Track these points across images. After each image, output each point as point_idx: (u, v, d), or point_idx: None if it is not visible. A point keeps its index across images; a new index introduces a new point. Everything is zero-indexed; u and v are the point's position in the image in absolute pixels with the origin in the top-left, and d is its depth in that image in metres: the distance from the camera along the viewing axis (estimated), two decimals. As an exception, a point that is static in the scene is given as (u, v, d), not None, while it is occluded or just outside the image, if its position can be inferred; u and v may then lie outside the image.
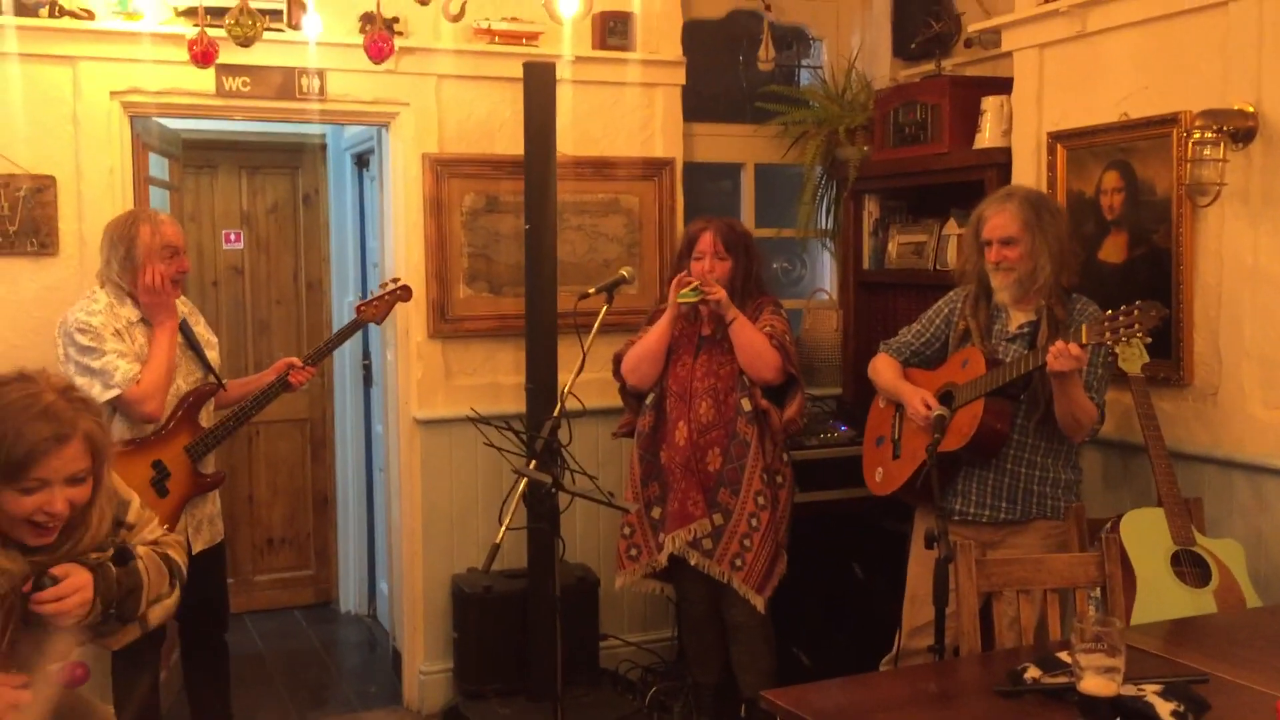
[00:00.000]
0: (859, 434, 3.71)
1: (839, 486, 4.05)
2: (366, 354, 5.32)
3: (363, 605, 5.50)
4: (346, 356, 5.42)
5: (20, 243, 3.75)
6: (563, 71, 4.19)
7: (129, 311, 3.33)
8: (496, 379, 4.32)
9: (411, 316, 4.21)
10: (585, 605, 4.13)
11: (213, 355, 3.52)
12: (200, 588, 3.28)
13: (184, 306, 3.50)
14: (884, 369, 3.43)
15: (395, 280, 3.89)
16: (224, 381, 3.54)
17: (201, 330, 3.54)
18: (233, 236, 5.46)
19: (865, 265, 4.61)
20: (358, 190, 5.33)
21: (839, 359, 4.68)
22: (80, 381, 3.15)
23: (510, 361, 4.31)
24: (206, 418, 3.47)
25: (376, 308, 3.78)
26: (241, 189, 5.50)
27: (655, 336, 3.69)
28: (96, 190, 3.82)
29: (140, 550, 2.15)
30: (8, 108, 3.70)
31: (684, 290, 3.56)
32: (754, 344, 3.56)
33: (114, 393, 3.19)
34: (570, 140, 4.31)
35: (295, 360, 3.64)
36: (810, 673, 3.87)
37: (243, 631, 5.15)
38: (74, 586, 1.98)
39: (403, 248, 4.24)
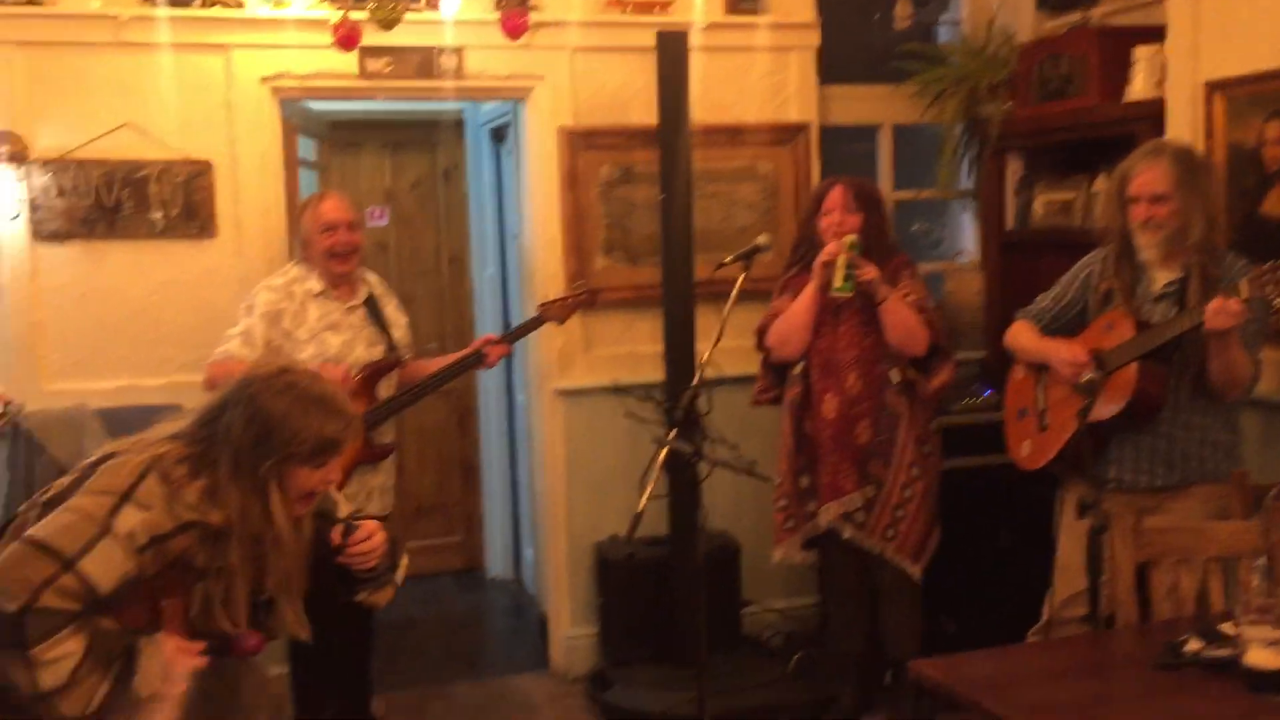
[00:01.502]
0: (1004, 397, 3.62)
1: (984, 452, 3.96)
2: (508, 324, 5.39)
3: (509, 571, 5.62)
4: (489, 327, 5.52)
5: (181, 227, 3.92)
6: (694, 38, 4.17)
7: (314, 284, 3.48)
8: (635, 349, 4.35)
9: (551, 288, 4.26)
10: (727, 572, 4.15)
11: (398, 333, 3.64)
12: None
13: (377, 286, 3.66)
14: (1023, 333, 3.33)
15: (582, 283, 3.96)
16: (405, 358, 3.64)
17: (391, 311, 3.67)
18: (378, 213, 5.60)
19: (1009, 225, 4.48)
20: (495, 164, 5.41)
21: (981, 322, 4.57)
22: None
23: (648, 331, 4.33)
24: (386, 389, 3.57)
25: (560, 309, 3.84)
26: (385, 167, 5.64)
27: (802, 309, 3.65)
28: (250, 173, 3.97)
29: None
30: (164, 96, 3.87)
31: (837, 285, 3.51)
32: (905, 322, 3.51)
33: (208, 365, 3.38)
34: (703, 107, 4.28)
35: (493, 336, 3.73)
36: (956, 641, 3.80)
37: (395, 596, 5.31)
38: (372, 529, 2.29)
39: (540, 220, 4.29)
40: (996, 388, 4.13)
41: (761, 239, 3.65)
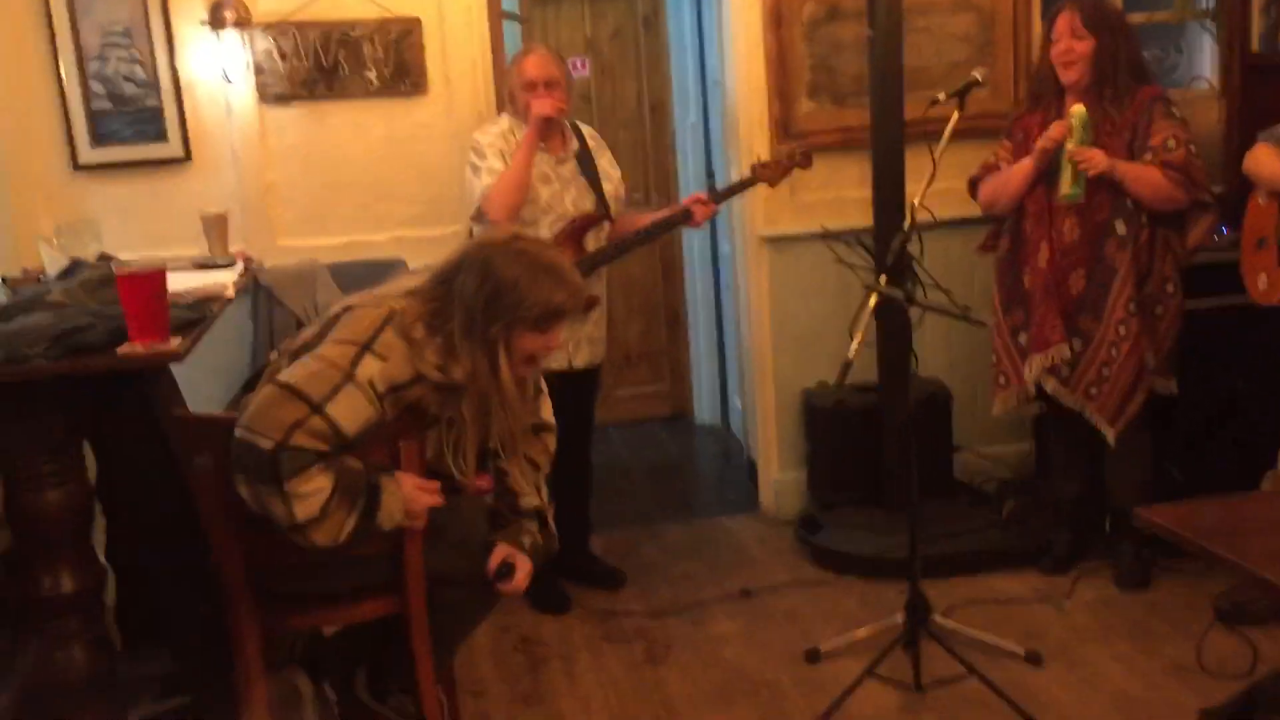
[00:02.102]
0: (1241, 227, 3.39)
1: (1218, 292, 3.73)
2: (710, 172, 5.36)
3: (716, 417, 5.71)
4: (690, 176, 5.50)
5: (394, 84, 4.02)
6: None
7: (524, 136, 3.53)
8: (842, 193, 4.26)
9: (755, 133, 4.19)
10: (938, 419, 4.10)
11: (608, 187, 3.66)
12: (575, 403, 3.54)
13: (591, 140, 3.69)
14: (1265, 158, 3.08)
15: (796, 144, 3.89)
16: (612, 214, 3.67)
17: (605, 164, 3.69)
18: (580, 64, 5.59)
19: (1254, 48, 4.12)
20: (695, 9, 5.29)
21: (1220, 154, 4.25)
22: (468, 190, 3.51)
23: (856, 175, 4.22)
24: (593, 243, 3.63)
25: (773, 171, 3.78)
26: (584, 16, 5.60)
27: (1015, 185, 3.51)
28: (456, 28, 4.02)
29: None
30: (375, -44, 3.94)
31: (1064, 191, 3.32)
32: (1153, 187, 3.30)
33: (476, 204, 3.46)
34: (914, -65, 4.06)
35: (703, 195, 3.73)
36: (1183, 489, 3.68)
37: (607, 442, 5.48)
38: (525, 572, 2.45)
39: (743, 64, 4.20)
40: (1234, 226, 3.87)
41: (976, 74, 3.46)
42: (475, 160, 3.50)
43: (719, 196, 3.76)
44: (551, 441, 2.65)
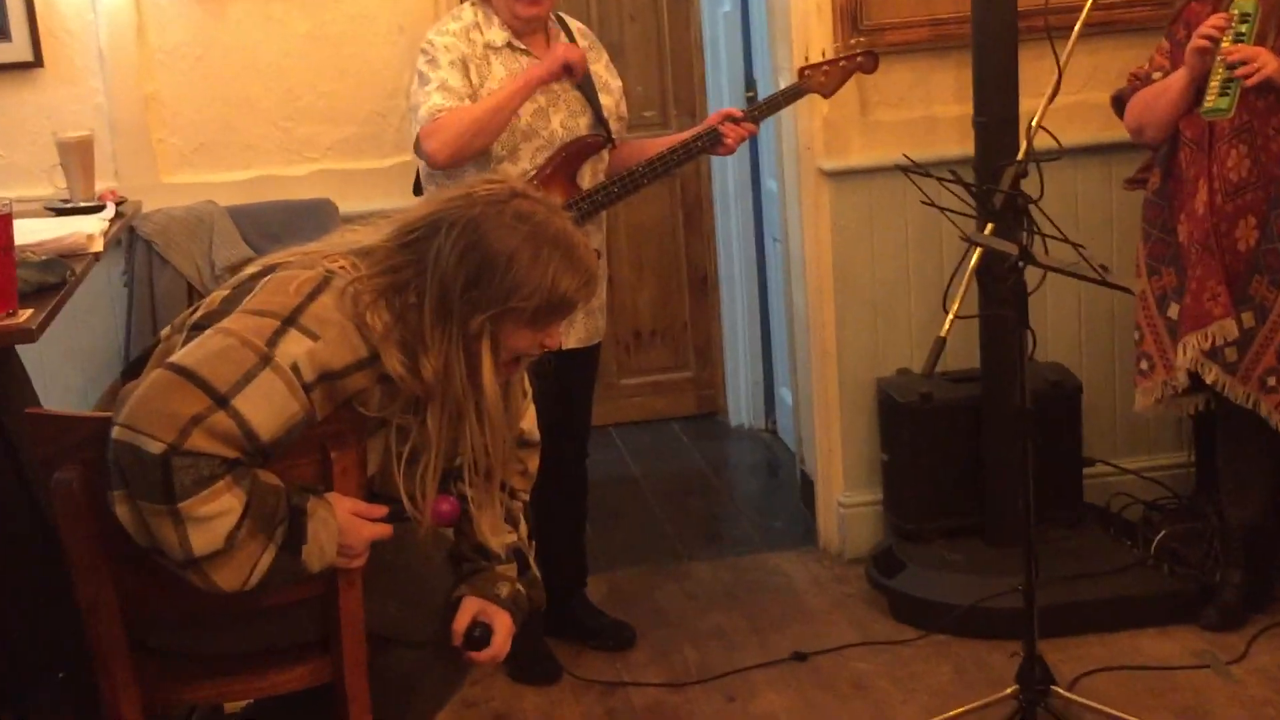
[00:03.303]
0: None
1: None
2: (750, 83, 5.35)
3: (758, 417, 5.71)
4: (724, 88, 5.49)
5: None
6: None
7: (496, 34, 3.53)
8: (932, 111, 4.25)
9: (811, 26, 4.18)
10: (1063, 419, 4.10)
11: (608, 101, 3.66)
12: (561, 398, 3.53)
13: (582, 38, 3.69)
14: None
15: (856, 42, 3.89)
16: (614, 136, 3.66)
17: (602, 72, 3.68)
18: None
19: None
20: None
21: None
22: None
23: (951, 85, 4.22)
24: (590, 178, 3.63)
25: (827, 77, 3.78)
26: None
27: (1167, 101, 3.52)
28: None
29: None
30: None
31: (1209, 104, 3.31)
32: None
33: (417, 128, 3.47)
34: None
35: (735, 111, 3.72)
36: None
37: (609, 449, 5.49)
38: (505, 633, 2.48)
39: (796, -72, 4.20)
40: None
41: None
42: (423, 68, 3.50)
43: (757, 112, 3.76)
44: (533, 461, 2.66)
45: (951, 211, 3.24)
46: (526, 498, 2.65)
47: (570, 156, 3.58)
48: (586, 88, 3.61)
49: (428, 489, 2.32)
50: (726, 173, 5.59)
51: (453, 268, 2.22)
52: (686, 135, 3.72)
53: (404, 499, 2.33)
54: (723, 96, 5.49)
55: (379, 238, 2.31)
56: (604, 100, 3.65)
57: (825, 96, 3.84)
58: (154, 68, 4.03)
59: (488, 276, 2.22)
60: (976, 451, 4.07)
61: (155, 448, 2.06)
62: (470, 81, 3.48)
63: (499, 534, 2.50)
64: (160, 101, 4.05)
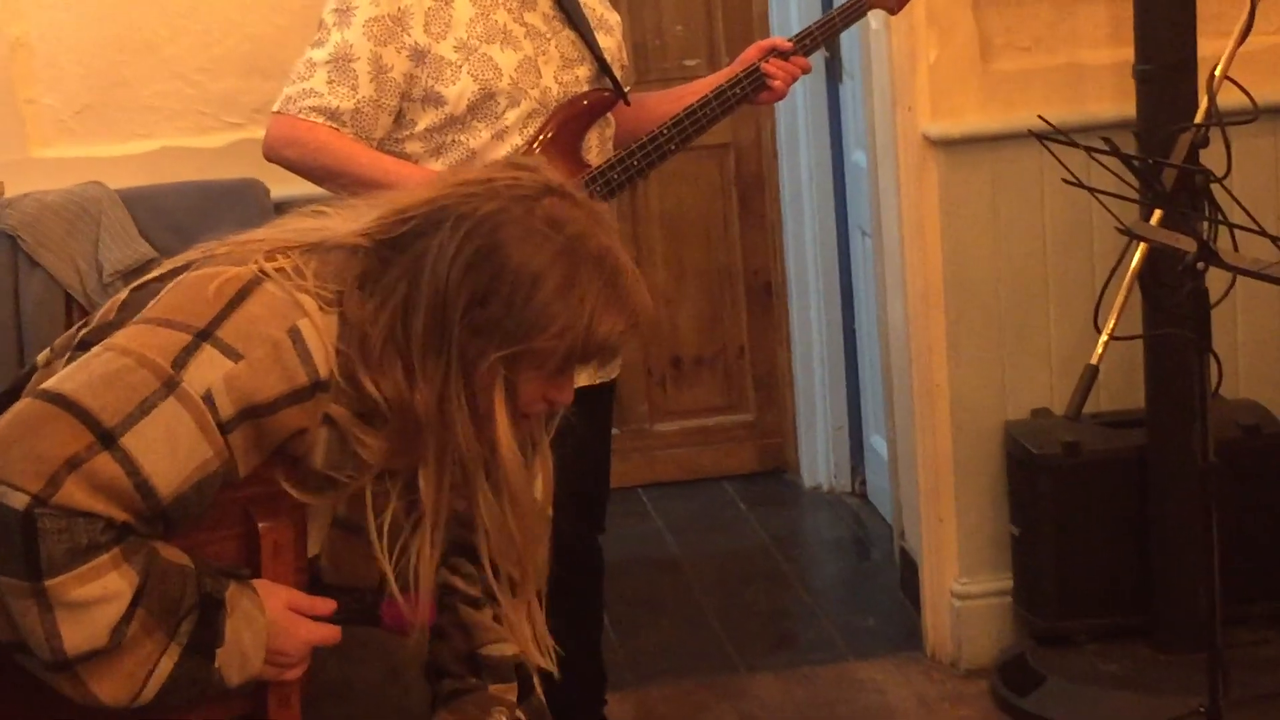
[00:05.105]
0: None
1: None
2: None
3: (841, 476, 5.73)
4: (794, 27, 5.49)
5: None
6: None
7: None
8: (1076, 56, 4.27)
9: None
10: (1261, 475, 4.09)
11: (609, 42, 3.66)
12: (575, 448, 3.52)
13: None
14: None
15: None
16: (627, 91, 3.67)
17: (595, 4, 3.69)
18: None
19: None
20: None
21: None
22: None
23: (1101, 23, 4.25)
24: (598, 148, 3.64)
25: None
26: None
27: None
28: None
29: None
30: None
31: None
32: None
33: (281, 102, 3.47)
34: None
35: (780, 42, 3.73)
36: None
37: (637, 518, 5.52)
38: None
39: None
40: None
41: None
42: (328, 17, 3.47)
43: (809, 40, 3.74)
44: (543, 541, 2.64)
45: (1105, 194, 3.24)
46: (542, 585, 2.63)
47: (569, 121, 3.58)
48: (580, 25, 3.60)
49: (422, 578, 2.30)
50: (797, 141, 5.62)
51: (455, 277, 2.18)
52: (719, 78, 3.73)
53: (392, 583, 2.31)
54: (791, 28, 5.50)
55: (355, 226, 2.29)
56: (604, 42, 3.65)
57: (892, 12, 3.86)
58: (22, 3, 4.07)
59: (501, 298, 2.19)
60: (1142, 522, 4.08)
61: (16, 501, 2.03)
62: (407, 47, 3.45)
63: (499, 636, 2.49)
64: (29, 48, 4.09)
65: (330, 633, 2.30)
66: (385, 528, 2.29)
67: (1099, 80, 4.22)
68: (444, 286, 2.19)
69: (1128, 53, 4.03)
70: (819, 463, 5.78)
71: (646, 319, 2.28)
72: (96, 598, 2.07)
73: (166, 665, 2.13)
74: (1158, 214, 3.21)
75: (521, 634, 2.44)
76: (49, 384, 2.13)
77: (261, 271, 2.21)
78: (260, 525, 2.25)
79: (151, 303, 2.21)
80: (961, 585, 4.43)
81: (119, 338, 2.17)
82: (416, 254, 2.21)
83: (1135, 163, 3.36)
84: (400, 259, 2.22)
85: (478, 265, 2.18)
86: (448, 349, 2.20)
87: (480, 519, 2.30)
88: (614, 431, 3.95)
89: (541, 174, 2.30)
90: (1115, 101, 4.12)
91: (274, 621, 2.23)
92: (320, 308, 2.20)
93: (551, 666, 2.51)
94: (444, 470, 2.25)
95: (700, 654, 4.62)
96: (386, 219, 2.26)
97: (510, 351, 2.19)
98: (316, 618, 2.30)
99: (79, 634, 2.07)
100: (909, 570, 4.69)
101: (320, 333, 2.19)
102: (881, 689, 4.35)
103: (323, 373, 2.18)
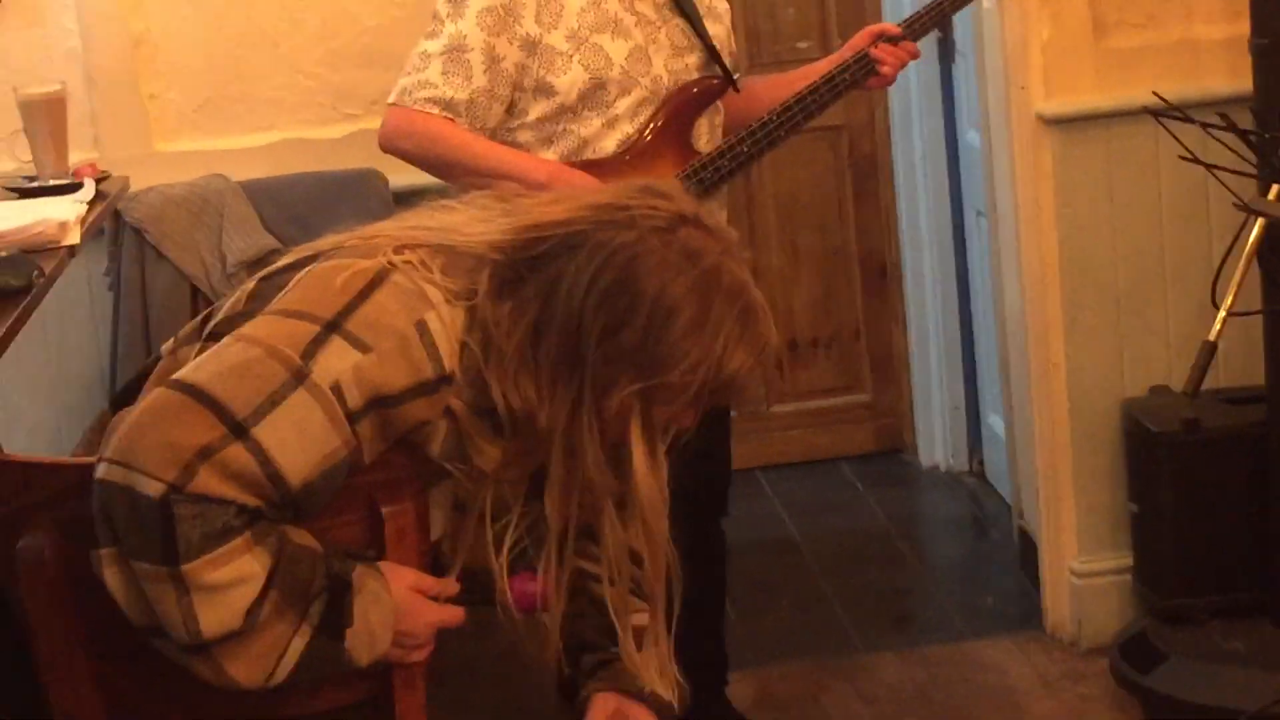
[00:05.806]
0: None
1: None
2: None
3: (959, 455, 5.73)
4: (906, 7, 5.48)
5: None
6: None
7: None
8: (1192, 32, 4.24)
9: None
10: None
11: (718, 30, 3.67)
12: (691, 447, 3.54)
13: None
14: None
15: None
16: (736, 78, 3.68)
17: None
18: None
19: None
20: None
21: None
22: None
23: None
24: (708, 136, 3.65)
25: None
26: None
27: None
28: None
29: None
30: None
31: None
32: None
33: (396, 94, 3.49)
34: None
35: (890, 27, 3.73)
36: None
37: (756, 500, 5.51)
38: None
39: None
40: None
41: None
42: (441, 7, 3.49)
43: (918, 25, 3.74)
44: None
45: (1222, 169, 3.22)
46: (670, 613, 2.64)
47: (680, 109, 3.59)
48: (690, 13, 3.61)
49: (548, 578, 2.32)
50: (911, 122, 5.60)
51: (591, 305, 2.19)
52: (828, 64, 3.72)
53: (496, 569, 2.33)
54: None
55: (486, 230, 2.30)
56: (713, 29, 3.66)
57: None
58: (144, 1, 4.13)
59: (636, 329, 2.19)
60: (1263, 498, 4.05)
61: (152, 489, 2.05)
62: (519, 37, 3.47)
63: (625, 608, 2.45)
64: (152, 44, 4.14)
65: (454, 614, 2.32)
66: (509, 530, 2.33)
67: (1214, 55, 4.19)
68: (578, 313, 2.19)
69: (1243, 27, 3.99)
70: (936, 443, 5.78)
71: (772, 355, 2.28)
72: (232, 580, 2.10)
73: (299, 646, 2.16)
74: (1275, 189, 3.19)
75: (646, 665, 2.44)
76: (181, 374, 2.15)
77: (389, 264, 2.23)
78: (384, 510, 2.27)
79: (281, 294, 2.24)
80: (1081, 563, 4.41)
81: (249, 328, 2.20)
82: (551, 276, 2.21)
83: (1252, 138, 3.33)
84: (534, 278, 2.22)
85: (614, 295, 2.18)
86: (580, 375, 2.21)
87: (605, 545, 2.32)
88: (731, 414, 3.97)
89: (677, 202, 2.28)
90: (1231, 76, 4.09)
91: (400, 603, 2.25)
92: (447, 299, 2.22)
93: (674, 700, 2.50)
94: (570, 494, 2.27)
95: (819, 634, 4.63)
96: (521, 235, 2.26)
97: (644, 385, 2.20)
98: (440, 600, 2.32)
99: (215, 616, 2.09)
100: (1028, 549, 4.68)
101: (446, 326, 2.21)
102: (1001, 668, 4.34)
103: (448, 366, 2.20)
